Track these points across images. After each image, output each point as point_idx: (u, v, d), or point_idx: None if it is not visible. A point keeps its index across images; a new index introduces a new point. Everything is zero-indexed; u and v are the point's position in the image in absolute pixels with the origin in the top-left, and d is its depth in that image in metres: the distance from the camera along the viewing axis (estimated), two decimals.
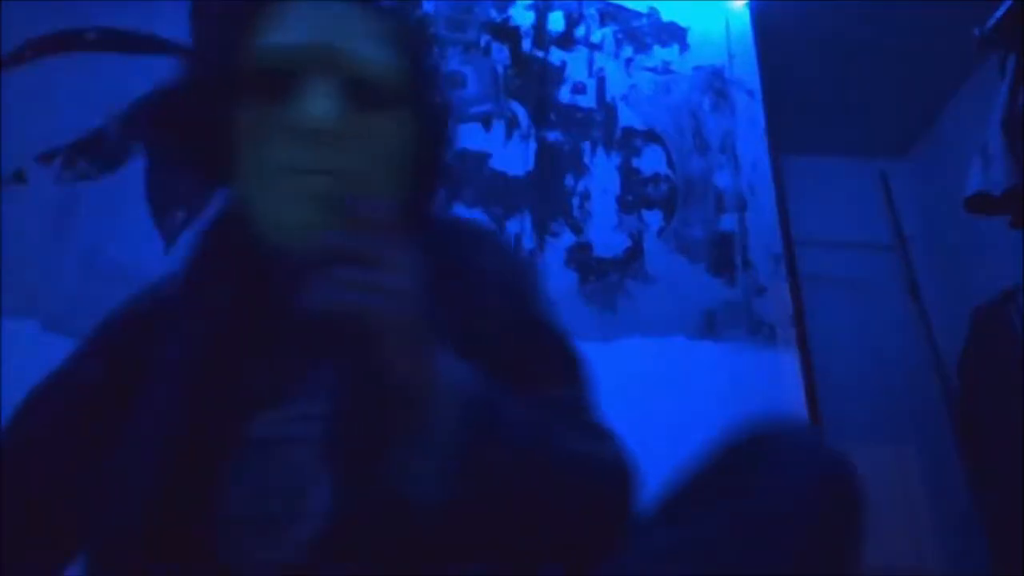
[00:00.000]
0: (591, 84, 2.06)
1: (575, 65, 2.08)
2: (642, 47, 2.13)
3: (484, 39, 2.03)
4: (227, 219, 0.62)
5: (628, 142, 2.00)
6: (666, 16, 2.17)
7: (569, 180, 1.92)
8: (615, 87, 2.07)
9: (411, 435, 0.47)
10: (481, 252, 0.66)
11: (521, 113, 1.98)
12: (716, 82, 2.12)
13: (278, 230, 0.52)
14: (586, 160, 1.95)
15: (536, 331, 0.64)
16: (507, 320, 0.62)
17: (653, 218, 1.91)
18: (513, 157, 1.90)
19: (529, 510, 0.50)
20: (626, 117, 2.03)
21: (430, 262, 0.50)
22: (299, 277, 0.47)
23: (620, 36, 2.14)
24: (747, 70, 2.14)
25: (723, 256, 1.87)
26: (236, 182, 0.56)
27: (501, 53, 2.03)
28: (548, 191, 1.89)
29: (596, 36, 2.13)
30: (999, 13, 1.88)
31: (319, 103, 0.52)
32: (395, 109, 0.57)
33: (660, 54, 2.13)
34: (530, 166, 1.91)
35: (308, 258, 0.47)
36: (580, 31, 2.13)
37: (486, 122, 1.94)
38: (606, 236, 1.86)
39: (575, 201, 1.89)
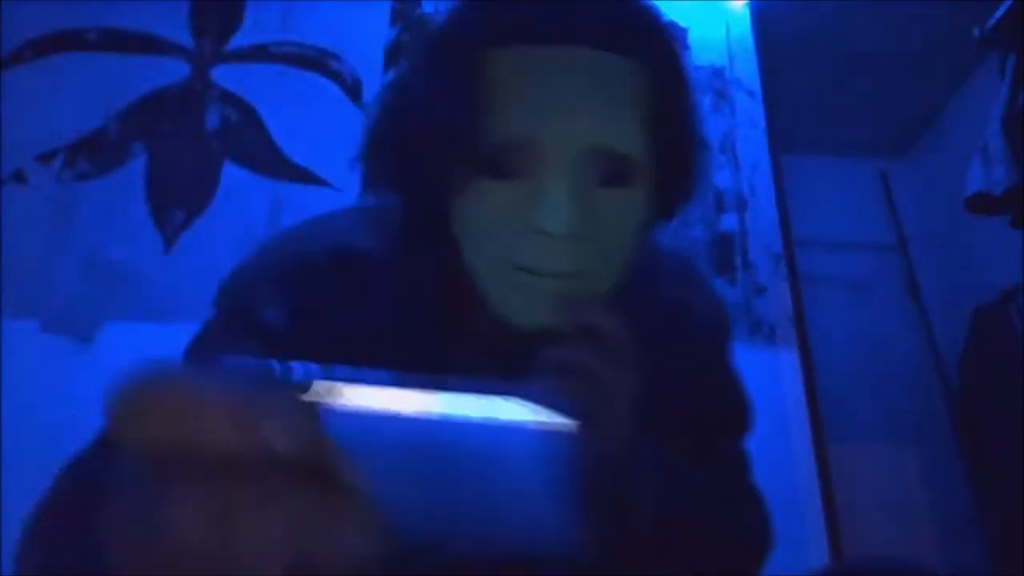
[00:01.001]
0: None
1: None
2: None
3: None
4: (442, 239, 0.52)
5: None
6: (666, 16, 2.17)
7: None
8: None
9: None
10: (687, 286, 0.64)
11: None
12: (716, 82, 2.12)
13: (504, 313, 0.49)
14: None
15: (724, 377, 0.66)
16: (701, 362, 0.63)
17: None
18: None
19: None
20: None
21: (633, 293, 0.51)
22: (516, 350, 0.47)
23: None
24: (747, 70, 2.14)
25: (723, 256, 1.86)
26: (456, 230, 0.50)
27: None
28: None
29: None
30: (999, 13, 1.88)
31: (559, 208, 0.44)
32: (643, 178, 0.48)
33: None
34: None
35: (534, 358, 0.47)
36: None
37: None
38: None
39: None
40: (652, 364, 0.53)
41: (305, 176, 1.74)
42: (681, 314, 0.62)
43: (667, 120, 0.49)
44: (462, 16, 0.50)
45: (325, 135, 1.78)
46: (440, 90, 0.47)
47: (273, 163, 1.75)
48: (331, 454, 0.22)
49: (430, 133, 0.47)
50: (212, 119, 1.78)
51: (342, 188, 1.73)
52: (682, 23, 2.19)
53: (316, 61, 1.86)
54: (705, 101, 2.09)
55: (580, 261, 0.46)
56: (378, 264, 0.55)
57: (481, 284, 0.49)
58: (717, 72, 2.14)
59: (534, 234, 0.45)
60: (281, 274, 0.55)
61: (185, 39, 1.87)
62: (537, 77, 0.46)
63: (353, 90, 1.84)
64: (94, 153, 1.73)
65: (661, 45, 0.50)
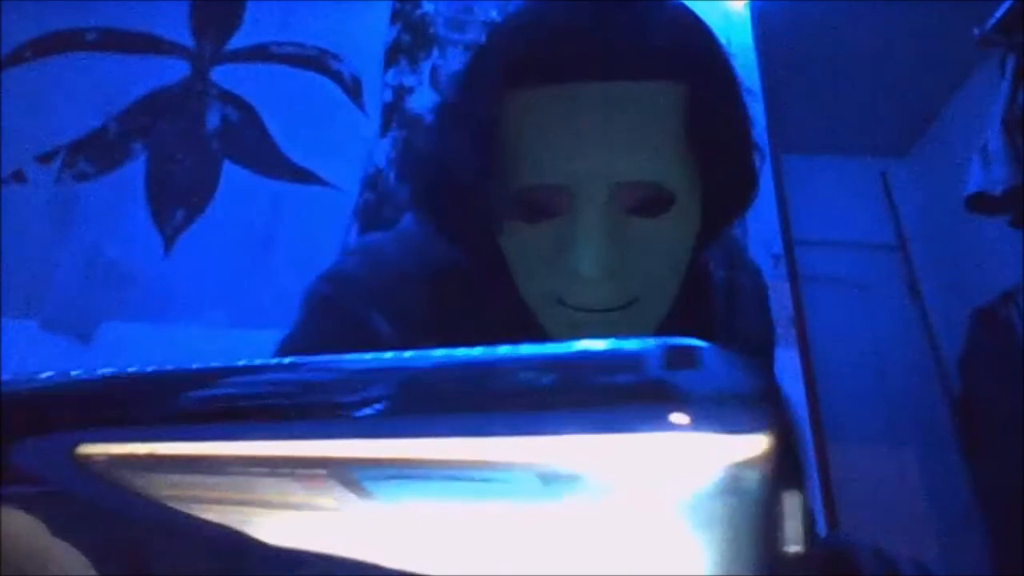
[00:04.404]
0: None
1: None
2: None
3: (484, 39, 2.03)
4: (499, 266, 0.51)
5: None
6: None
7: None
8: None
9: None
10: (741, 267, 0.64)
11: None
12: None
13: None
14: None
15: (771, 355, 0.67)
16: (754, 343, 0.63)
17: None
18: None
19: None
20: None
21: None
22: None
23: None
24: (747, 70, 2.14)
25: None
26: (504, 253, 0.49)
27: None
28: None
29: None
30: (999, 13, 1.88)
31: (592, 250, 0.44)
32: (686, 200, 0.47)
33: None
34: None
35: None
36: None
37: None
38: None
39: None
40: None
41: (305, 176, 1.74)
42: (729, 294, 0.62)
43: (709, 137, 0.47)
44: (484, 59, 0.49)
45: (325, 135, 1.78)
46: (463, 140, 0.47)
47: (273, 163, 1.75)
48: None
49: (458, 184, 0.47)
50: (212, 119, 1.78)
51: (342, 188, 1.73)
52: None
53: (316, 61, 1.86)
54: None
55: (624, 294, 0.46)
56: (465, 277, 0.54)
57: (536, 317, 0.49)
58: None
59: (573, 274, 0.45)
60: (382, 284, 0.54)
61: (185, 39, 1.87)
62: (563, 117, 0.44)
63: (353, 90, 1.84)
64: (94, 153, 1.73)
65: (697, 62, 0.48)
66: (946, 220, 2.66)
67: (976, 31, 1.94)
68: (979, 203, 1.88)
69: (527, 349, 0.17)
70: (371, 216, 1.70)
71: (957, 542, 2.35)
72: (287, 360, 0.19)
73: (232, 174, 1.73)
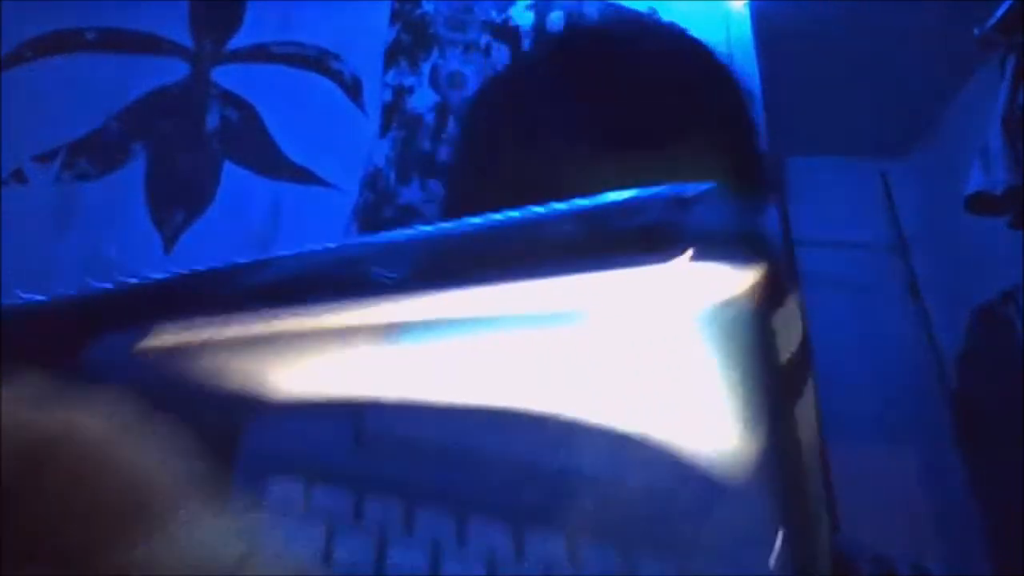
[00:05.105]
0: None
1: None
2: None
3: (484, 39, 2.03)
4: None
5: None
6: (666, 16, 2.16)
7: None
8: None
9: None
10: None
11: None
12: None
13: None
14: None
15: None
16: None
17: None
18: None
19: None
20: None
21: None
22: None
23: None
24: (747, 70, 2.14)
25: None
26: None
27: (501, 53, 2.03)
28: None
29: None
30: (999, 13, 1.88)
31: None
32: None
33: None
34: None
35: None
36: None
37: None
38: None
39: None
40: None
41: (305, 176, 1.74)
42: None
43: (715, 148, 0.50)
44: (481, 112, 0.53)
45: (325, 135, 1.78)
46: (475, 189, 0.50)
47: (273, 163, 1.75)
48: None
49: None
50: (212, 119, 1.78)
51: (342, 188, 1.73)
52: (682, 23, 2.18)
53: (316, 61, 1.86)
54: None
55: None
56: None
57: None
58: None
59: None
60: None
61: (185, 39, 1.87)
62: None
63: (353, 90, 1.84)
64: (94, 153, 1.73)
65: (699, 85, 0.51)
66: (946, 220, 2.66)
67: (976, 31, 1.94)
68: (979, 203, 1.89)
69: (537, 209, 0.19)
70: (371, 216, 1.70)
71: (957, 542, 2.35)
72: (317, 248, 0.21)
73: (232, 174, 1.73)
